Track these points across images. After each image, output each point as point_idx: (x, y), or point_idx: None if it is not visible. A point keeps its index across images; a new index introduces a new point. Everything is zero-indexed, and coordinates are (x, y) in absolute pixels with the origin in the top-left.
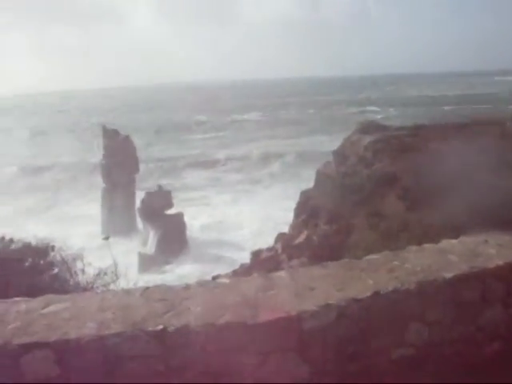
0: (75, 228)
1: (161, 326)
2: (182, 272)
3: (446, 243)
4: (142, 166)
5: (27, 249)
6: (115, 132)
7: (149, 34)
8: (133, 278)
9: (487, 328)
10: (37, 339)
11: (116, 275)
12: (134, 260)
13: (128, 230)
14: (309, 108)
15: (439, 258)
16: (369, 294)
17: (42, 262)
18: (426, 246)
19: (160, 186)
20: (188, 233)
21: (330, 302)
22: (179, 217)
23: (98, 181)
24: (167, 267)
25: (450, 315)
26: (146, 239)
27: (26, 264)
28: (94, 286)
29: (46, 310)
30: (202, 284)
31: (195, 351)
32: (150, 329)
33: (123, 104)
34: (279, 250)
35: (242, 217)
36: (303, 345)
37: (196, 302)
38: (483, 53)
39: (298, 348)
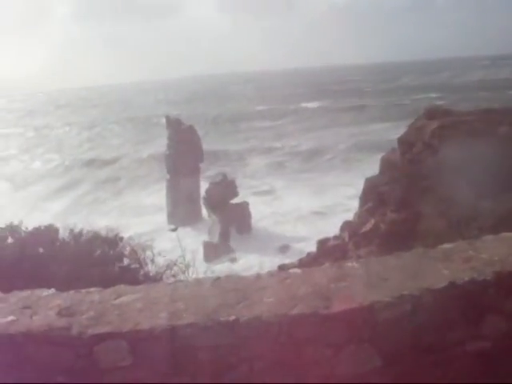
0: (142, 218)
1: (233, 317)
2: (248, 261)
3: None
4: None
5: (97, 240)
6: (179, 122)
7: (207, 25)
8: (201, 267)
9: None
10: (110, 329)
11: (185, 266)
12: (200, 249)
13: (193, 219)
14: (368, 95)
15: None
16: (444, 284)
17: (111, 252)
18: (504, 234)
19: (224, 176)
20: (253, 222)
21: (404, 292)
22: (244, 206)
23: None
24: (233, 256)
25: None
26: (211, 228)
27: (96, 255)
28: (164, 276)
29: (118, 301)
30: (273, 274)
31: (267, 342)
32: (222, 319)
33: (184, 95)
34: (346, 239)
35: (303, 204)
36: (377, 336)
37: (268, 292)
38: None
39: (371, 339)
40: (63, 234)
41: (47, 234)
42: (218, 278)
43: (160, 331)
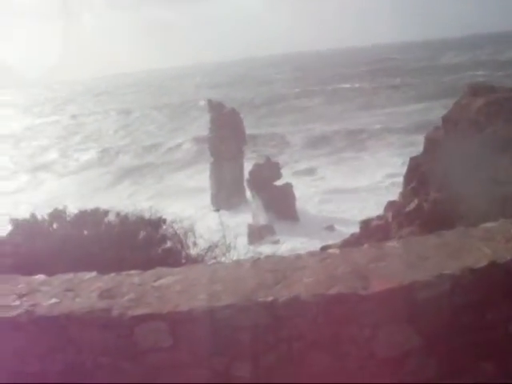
0: (186, 201)
1: (271, 297)
2: (292, 242)
3: None
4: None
5: (140, 222)
6: (221, 105)
7: (242, 8)
8: (243, 249)
9: None
10: (150, 311)
11: (226, 248)
12: (244, 231)
13: (237, 201)
14: (412, 74)
15: None
16: (485, 263)
17: (155, 234)
18: None
19: (268, 158)
20: (297, 203)
21: (444, 271)
22: (288, 188)
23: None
24: (277, 238)
25: None
26: (256, 211)
27: (140, 237)
28: (206, 258)
29: (157, 283)
30: (312, 254)
31: (306, 322)
32: (261, 300)
33: (221, 79)
34: (389, 219)
35: (348, 186)
36: (416, 316)
37: (307, 272)
38: None
39: (410, 319)
40: (109, 216)
41: (93, 217)
42: (258, 259)
43: (199, 313)
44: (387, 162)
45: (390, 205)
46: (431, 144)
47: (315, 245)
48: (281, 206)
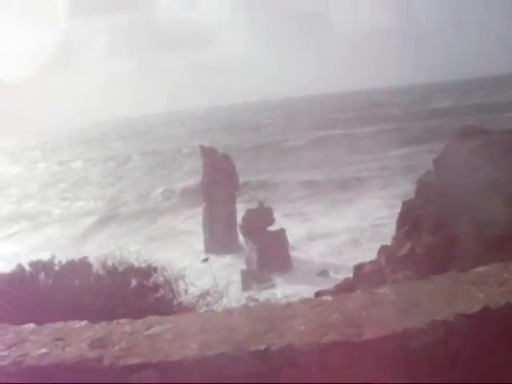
0: (177, 247)
1: (264, 346)
2: (286, 288)
3: None
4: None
5: (131, 271)
6: (213, 150)
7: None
8: (236, 296)
9: None
10: (141, 360)
11: (218, 295)
12: (237, 277)
13: (230, 247)
14: (415, 117)
15: None
16: (479, 308)
17: (145, 283)
18: None
19: (261, 203)
20: (290, 248)
21: (437, 317)
22: (281, 233)
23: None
24: (271, 283)
25: None
26: (249, 256)
27: (131, 286)
28: (197, 306)
29: (149, 332)
30: (304, 302)
31: (299, 371)
32: (253, 349)
33: (212, 125)
34: (383, 263)
35: (336, 228)
36: (410, 363)
37: (299, 320)
38: None
39: (404, 367)
40: (97, 267)
41: (81, 267)
42: (249, 307)
43: (191, 362)
44: (374, 206)
45: (383, 249)
46: (423, 187)
47: (308, 290)
48: (274, 251)
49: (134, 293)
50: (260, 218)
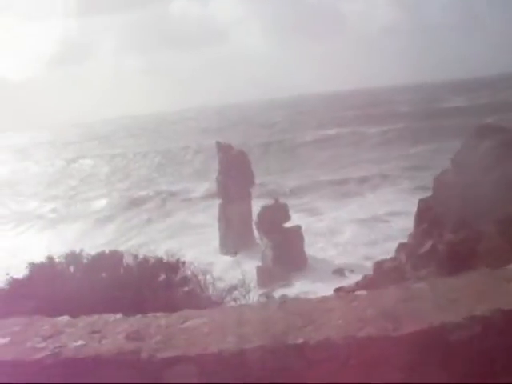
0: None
1: (301, 339)
2: (302, 286)
3: None
4: None
5: (159, 264)
6: (229, 147)
7: (253, 51)
8: (252, 293)
9: None
10: (179, 353)
11: (246, 290)
12: (253, 274)
13: (245, 243)
14: (427, 117)
15: None
16: None
17: (174, 277)
18: None
19: (277, 200)
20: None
21: (475, 313)
22: (297, 230)
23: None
24: (287, 281)
25: None
26: (264, 253)
27: (160, 280)
28: (225, 300)
29: (185, 325)
30: (339, 297)
31: (337, 365)
32: (291, 342)
33: (221, 123)
34: (403, 260)
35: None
36: (447, 358)
37: (335, 315)
38: None
39: (441, 361)
40: (127, 259)
41: (111, 259)
42: (284, 301)
43: (228, 355)
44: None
45: (402, 246)
46: (441, 186)
47: (325, 288)
48: (289, 248)
49: (163, 286)
50: (275, 214)
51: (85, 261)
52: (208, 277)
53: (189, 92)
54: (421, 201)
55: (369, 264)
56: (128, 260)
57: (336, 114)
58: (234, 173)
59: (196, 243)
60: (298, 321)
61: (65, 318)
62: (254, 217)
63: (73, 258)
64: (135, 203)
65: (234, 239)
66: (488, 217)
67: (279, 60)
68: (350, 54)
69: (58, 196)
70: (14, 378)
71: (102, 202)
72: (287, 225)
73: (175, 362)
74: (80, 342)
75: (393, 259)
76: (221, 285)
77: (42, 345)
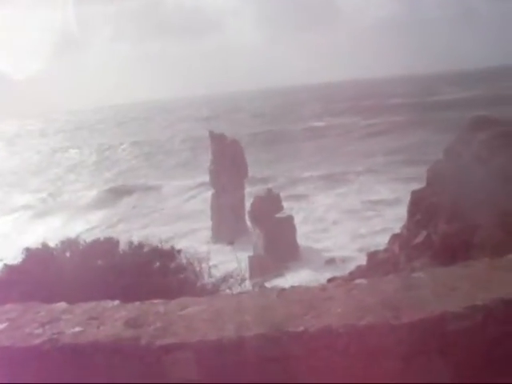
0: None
1: (301, 328)
2: (295, 275)
3: None
4: None
5: (154, 252)
6: (223, 136)
7: (247, 41)
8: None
9: None
10: (178, 340)
11: (241, 278)
12: (245, 264)
13: (238, 233)
14: (424, 109)
15: None
16: None
17: (169, 264)
18: None
19: (269, 190)
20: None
21: (476, 302)
22: (289, 220)
23: None
24: (280, 271)
25: None
26: (256, 243)
27: (155, 267)
28: (220, 288)
29: (184, 312)
30: (338, 285)
31: (337, 353)
32: (291, 330)
33: (209, 112)
34: (396, 251)
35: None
36: (447, 347)
37: (335, 303)
38: None
39: (442, 350)
40: (122, 246)
41: (106, 246)
42: (284, 289)
43: (228, 342)
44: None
45: (395, 237)
46: (434, 177)
47: (318, 277)
48: (281, 238)
49: (158, 274)
50: (268, 204)
51: (80, 247)
52: (203, 265)
53: (182, 81)
54: (413, 192)
55: (361, 255)
56: (123, 247)
57: (328, 105)
58: (228, 163)
59: (188, 232)
60: (298, 309)
61: (62, 305)
62: (247, 206)
63: (69, 243)
64: (122, 192)
65: (225, 228)
66: (483, 208)
67: (273, 51)
68: (344, 46)
69: (42, 186)
70: (11, 364)
71: (88, 192)
72: (280, 215)
73: (174, 349)
74: (78, 329)
75: (386, 250)
76: (216, 273)
77: (40, 331)
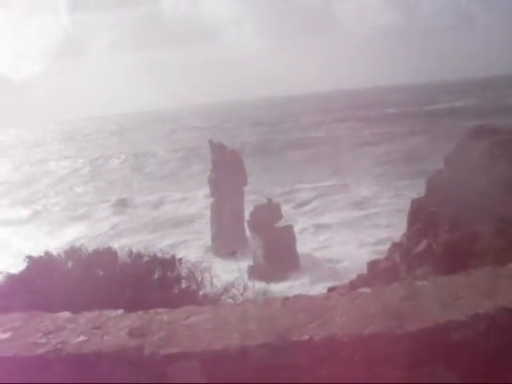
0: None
1: (306, 336)
2: (295, 284)
3: None
4: None
5: (154, 261)
6: (222, 146)
7: (245, 51)
8: (258, 290)
9: None
10: (182, 349)
11: (243, 287)
12: (244, 273)
13: (237, 242)
14: (422, 117)
15: None
16: None
17: (169, 274)
18: None
19: (269, 199)
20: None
21: (479, 311)
22: (289, 229)
23: None
24: (279, 280)
25: None
26: (256, 252)
27: (155, 277)
28: (222, 298)
29: (188, 321)
30: (342, 294)
31: (342, 362)
32: (295, 339)
33: (204, 123)
34: (397, 260)
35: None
36: (451, 356)
37: (339, 311)
38: None
39: (446, 359)
40: (121, 255)
41: (106, 256)
42: (288, 298)
43: (233, 351)
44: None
45: (395, 246)
46: (435, 186)
47: (317, 287)
48: (281, 247)
49: (158, 284)
50: (268, 213)
51: (83, 256)
52: (206, 274)
53: (180, 90)
54: (414, 201)
55: (361, 264)
56: (123, 257)
57: (326, 115)
58: (227, 172)
59: (184, 241)
60: (302, 318)
61: (66, 314)
62: (247, 216)
63: (72, 253)
64: (119, 204)
65: (225, 237)
66: (484, 217)
67: (271, 60)
68: (342, 55)
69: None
70: (15, 374)
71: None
72: (279, 224)
73: (178, 359)
74: (82, 338)
75: (386, 259)
76: (217, 282)
77: (43, 340)
